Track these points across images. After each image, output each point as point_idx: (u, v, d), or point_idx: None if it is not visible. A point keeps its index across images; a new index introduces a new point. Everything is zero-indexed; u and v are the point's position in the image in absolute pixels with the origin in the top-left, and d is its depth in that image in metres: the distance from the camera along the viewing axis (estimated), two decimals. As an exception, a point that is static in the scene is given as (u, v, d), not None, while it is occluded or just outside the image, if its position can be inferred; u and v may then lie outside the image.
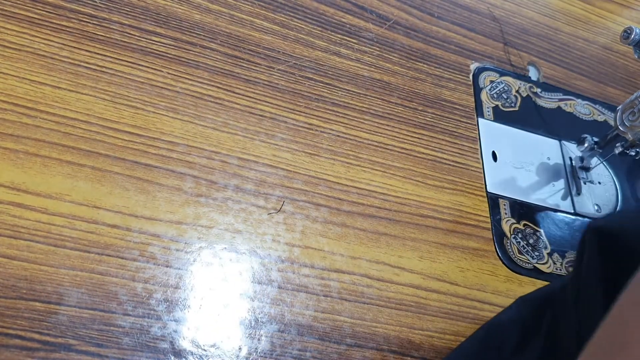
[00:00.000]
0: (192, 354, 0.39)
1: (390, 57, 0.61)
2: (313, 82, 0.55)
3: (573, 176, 0.61)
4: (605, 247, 0.37)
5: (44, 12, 0.48)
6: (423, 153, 0.56)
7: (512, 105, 0.65)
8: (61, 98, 0.45)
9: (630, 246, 0.36)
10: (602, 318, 0.35)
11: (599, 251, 0.37)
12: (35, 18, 0.48)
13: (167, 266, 0.41)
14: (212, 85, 0.51)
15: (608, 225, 0.37)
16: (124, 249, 0.41)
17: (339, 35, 0.60)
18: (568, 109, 0.68)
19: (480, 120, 0.62)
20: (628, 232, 0.36)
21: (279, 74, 0.54)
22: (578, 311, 0.38)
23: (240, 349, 0.40)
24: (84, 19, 0.49)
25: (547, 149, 0.63)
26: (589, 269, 0.37)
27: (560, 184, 0.60)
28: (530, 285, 0.52)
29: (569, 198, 0.59)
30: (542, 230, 0.56)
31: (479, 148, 0.59)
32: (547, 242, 0.55)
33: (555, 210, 0.58)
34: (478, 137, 0.60)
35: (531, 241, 0.54)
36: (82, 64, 0.47)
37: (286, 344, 0.41)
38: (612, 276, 0.36)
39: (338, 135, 0.53)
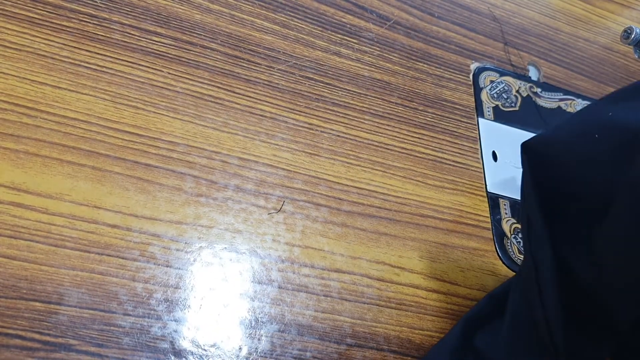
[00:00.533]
0: (192, 354, 0.39)
1: (391, 57, 0.61)
2: (313, 82, 0.55)
3: (573, 176, 0.61)
4: (534, 159, 0.38)
5: (45, 12, 0.49)
6: (423, 153, 0.56)
7: (513, 105, 0.65)
8: (61, 98, 0.45)
9: (555, 153, 0.37)
10: (544, 230, 0.36)
11: (529, 166, 0.39)
12: (35, 18, 0.48)
13: (167, 266, 0.41)
14: (213, 85, 0.51)
15: (534, 140, 0.39)
16: (124, 249, 0.41)
17: (339, 35, 0.60)
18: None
19: (481, 120, 0.62)
20: (553, 142, 0.38)
21: (279, 74, 0.54)
22: (531, 243, 0.39)
23: (240, 348, 0.40)
24: (85, 19, 0.50)
25: (548, 149, 0.63)
26: (526, 186, 0.39)
27: (561, 184, 0.60)
28: (530, 285, 0.51)
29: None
30: (542, 230, 0.56)
31: (479, 148, 0.59)
32: (547, 242, 0.55)
33: (556, 210, 0.58)
34: (478, 137, 0.60)
35: (531, 241, 0.54)
36: (82, 64, 0.47)
37: (286, 344, 0.41)
38: (544, 185, 0.38)
39: (338, 135, 0.53)
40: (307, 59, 0.57)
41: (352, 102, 0.56)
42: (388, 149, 0.54)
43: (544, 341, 0.39)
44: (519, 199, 0.57)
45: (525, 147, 0.40)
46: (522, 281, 0.43)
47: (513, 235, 0.54)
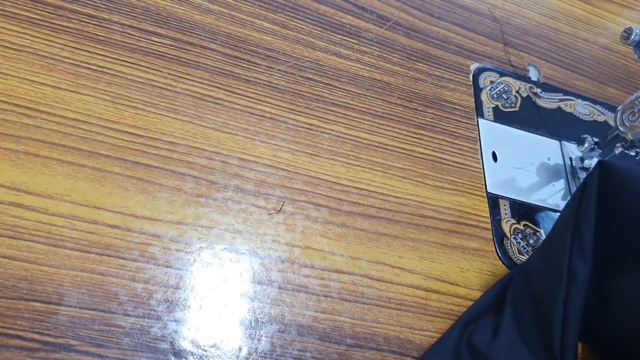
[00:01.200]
0: (192, 354, 0.39)
1: (391, 57, 0.62)
2: (313, 82, 0.55)
3: (573, 176, 0.61)
4: (608, 179, 0.39)
5: (45, 13, 0.49)
6: (423, 153, 0.56)
7: (512, 105, 0.65)
8: (61, 98, 0.45)
9: (626, 181, 0.38)
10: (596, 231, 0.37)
11: (600, 182, 0.39)
12: (35, 19, 0.48)
13: (167, 266, 0.41)
14: (212, 86, 0.51)
15: (614, 163, 0.40)
16: (124, 250, 0.41)
17: (339, 36, 0.60)
18: (568, 109, 0.68)
19: (481, 120, 0.62)
20: (628, 171, 0.39)
21: (279, 75, 0.54)
22: (573, 251, 0.40)
23: (240, 349, 0.40)
24: (85, 20, 0.50)
25: (547, 149, 0.63)
26: (588, 199, 0.39)
27: (561, 184, 0.60)
28: (530, 286, 0.51)
29: (569, 198, 0.59)
30: (542, 231, 0.56)
31: (479, 148, 0.59)
32: (547, 243, 0.55)
33: (556, 211, 0.58)
34: (478, 138, 0.60)
35: (531, 241, 0.54)
36: (82, 64, 0.47)
37: (286, 344, 0.41)
38: (608, 208, 0.39)
39: (338, 136, 0.53)
40: (307, 59, 0.57)
41: (352, 102, 0.56)
42: (388, 149, 0.54)
43: (546, 343, 0.39)
44: (519, 199, 0.57)
45: (604, 165, 0.40)
46: (534, 281, 0.43)
47: (513, 236, 0.54)
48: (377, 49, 0.61)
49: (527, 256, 0.53)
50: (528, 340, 0.42)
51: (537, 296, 0.42)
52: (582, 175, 0.61)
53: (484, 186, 0.56)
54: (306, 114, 0.53)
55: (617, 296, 0.38)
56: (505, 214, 0.55)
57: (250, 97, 0.52)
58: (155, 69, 0.49)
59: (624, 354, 0.39)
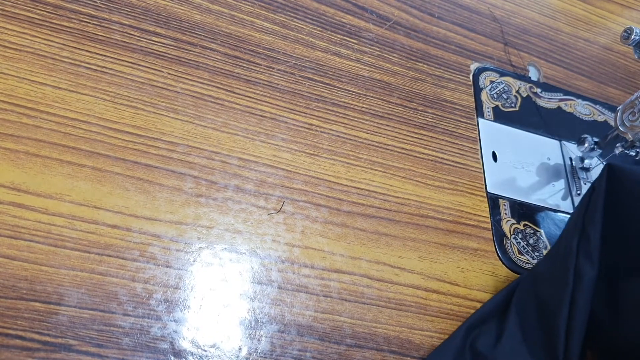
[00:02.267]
0: (192, 354, 0.39)
1: (391, 57, 0.61)
2: (313, 82, 0.55)
3: (573, 176, 0.61)
4: (615, 183, 0.39)
5: (45, 13, 0.49)
6: (423, 153, 0.56)
7: (512, 105, 0.65)
8: (61, 98, 0.45)
9: (634, 183, 0.38)
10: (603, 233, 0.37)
11: (607, 185, 0.39)
12: (35, 18, 0.48)
13: (167, 266, 0.41)
14: (212, 86, 0.51)
15: (623, 167, 0.39)
16: (124, 249, 0.41)
17: (339, 36, 0.60)
18: (568, 109, 0.68)
19: (481, 120, 0.61)
20: (636, 173, 0.39)
21: (279, 74, 0.54)
22: (579, 254, 0.40)
23: (240, 349, 0.40)
24: (85, 19, 0.50)
25: (548, 149, 0.63)
26: (596, 201, 0.39)
27: (561, 184, 0.60)
28: (530, 286, 0.51)
29: (569, 198, 0.59)
30: (542, 231, 0.56)
31: (479, 148, 0.59)
32: (547, 243, 0.55)
33: (556, 211, 0.58)
34: (478, 138, 0.60)
35: (531, 241, 0.54)
36: (82, 64, 0.47)
37: (286, 344, 0.41)
38: (614, 212, 0.38)
39: (338, 136, 0.53)
40: (307, 59, 0.57)
41: (352, 102, 0.56)
42: (388, 149, 0.54)
43: (550, 347, 0.39)
44: (519, 199, 0.57)
45: (612, 167, 0.40)
46: (540, 285, 0.43)
47: (513, 236, 0.54)
48: (377, 49, 0.61)
49: (527, 256, 0.53)
50: (532, 344, 0.41)
51: (542, 300, 0.42)
52: (582, 175, 0.62)
53: (484, 186, 0.56)
54: (306, 113, 0.53)
55: (625, 300, 0.38)
56: (505, 214, 0.55)
57: (250, 97, 0.52)
58: (155, 69, 0.49)
59: (631, 358, 0.39)
